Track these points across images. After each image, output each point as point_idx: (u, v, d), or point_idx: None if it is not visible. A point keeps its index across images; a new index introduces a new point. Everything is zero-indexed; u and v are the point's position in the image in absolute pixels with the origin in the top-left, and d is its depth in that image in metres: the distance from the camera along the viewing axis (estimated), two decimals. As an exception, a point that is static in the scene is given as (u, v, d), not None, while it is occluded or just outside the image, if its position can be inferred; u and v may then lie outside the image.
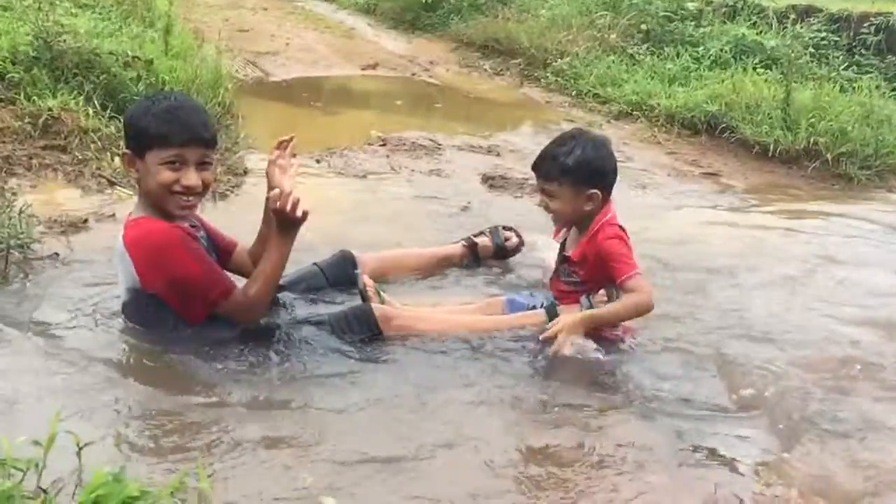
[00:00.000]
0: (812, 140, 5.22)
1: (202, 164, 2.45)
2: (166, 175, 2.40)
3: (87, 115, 4.18)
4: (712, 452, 2.17)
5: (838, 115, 5.37)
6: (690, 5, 7.35)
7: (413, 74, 7.42)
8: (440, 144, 5.09)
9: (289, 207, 2.43)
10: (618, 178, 2.79)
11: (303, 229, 2.52)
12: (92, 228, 3.39)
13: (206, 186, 2.49)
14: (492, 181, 4.53)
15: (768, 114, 5.47)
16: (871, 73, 6.34)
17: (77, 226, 3.37)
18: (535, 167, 2.81)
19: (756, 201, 4.70)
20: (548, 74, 7.00)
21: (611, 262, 2.62)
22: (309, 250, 3.01)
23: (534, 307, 2.80)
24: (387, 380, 2.44)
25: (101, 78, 4.39)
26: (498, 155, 5.05)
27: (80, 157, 3.98)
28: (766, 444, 2.24)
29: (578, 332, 2.60)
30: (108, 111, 4.27)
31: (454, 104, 6.64)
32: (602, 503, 1.95)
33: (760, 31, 6.91)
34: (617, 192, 2.81)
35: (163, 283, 2.44)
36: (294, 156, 2.76)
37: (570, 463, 2.09)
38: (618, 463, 2.10)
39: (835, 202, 4.71)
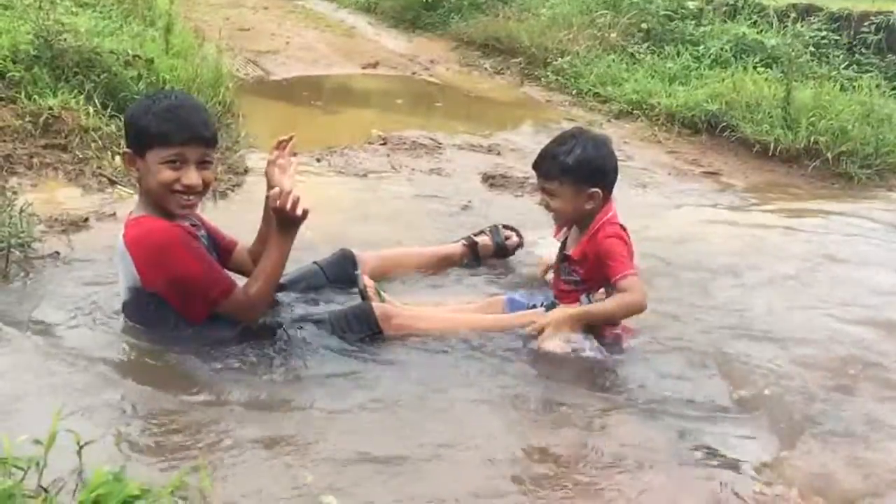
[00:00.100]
0: (812, 139, 5.22)
1: (203, 163, 2.45)
2: (167, 174, 2.40)
3: (88, 113, 4.18)
4: (713, 452, 2.17)
5: (839, 113, 5.37)
6: (691, 4, 7.35)
7: (413, 73, 7.42)
8: (440, 143, 5.09)
9: (289, 206, 2.43)
10: (618, 177, 2.79)
11: (303, 228, 2.52)
12: (92, 227, 3.39)
13: (206, 185, 2.49)
14: (492, 180, 4.53)
15: (769, 113, 5.47)
16: (872, 71, 6.34)
17: (78, 225, 3.37)
18: (535, 166, 2.81)
19: (756, 200, 4.69)
20: (548, 73, 7.00)
21: (607, 261, 2.62)
22: (309, 249, 3.00)
23: (534, 306, 2.80)
24: (387, 379, 2.44)
25: (101, 77, 4.39)
26: (498, 154, 5.05)
27: (80, 155, 3.98)
28: (767, 444, 2.23)
29: (566, 328, 2.60)
30: (109, 110, 4.27)
31: (455, 103, 6.64)
32: (603, 503, 1.95)
33: (761, 30, 6.91)
34: (617, 191, 2.81)
35: (163, 282, 2.44)
36: (294, 154, 2.76)
37: (570, 462, 2.10)
38: (619, 462, 2.09)
39: (835, 201, 4.71)
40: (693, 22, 7.24)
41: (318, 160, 4.57)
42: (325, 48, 7.95)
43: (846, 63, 6.46)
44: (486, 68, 7.57)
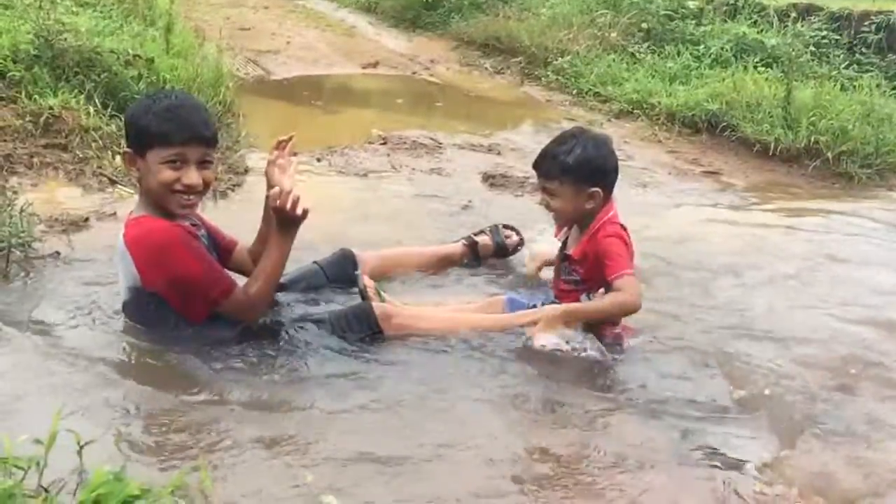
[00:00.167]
0: (813, 139, 5.22)
1: (203, 163, 2.45)
2: (167, 174, 2.40)
3: (88, 113, 4.18)
4: (714, 451, 2.17)
5: (839, 113, 5.37)
6: (691, 4, 7.35)
7: (414, 73, 7.42)
8: (441, 143, 5.09)
9: (289, 206, 2.43)
10: (618, 176, 2.78)
11: (303, 228, 2.52)
12: (93, 227, 3.39)
13: (206, 185, 2.49)
14: (492, 180, 4.53)
15: (769, 112, 5.47)
16: (872, 71, 6.34)
17: (78, 224, 3.37)
18: (535, 166, 2.81)
19: (757, 200, 4.69)
20: (548, 73, 6.99)
21: (605, 260, 2.62)
22: (309, 249, 3.00)
23: (534, 306, 2.79)
24: (387, 379, 2.44)
25: (102, 76, 4.39)
26: (498, 153, 5.05)
27: (80, 155, 3.98)
28: (767, 444, 2.23)
29: (558, 324, 2.59)
30: (109, 110, 4.27)
31: (455, 103, 6.64)
32: (604, 502, 1.95)
33: (761, 30, 6.91)
34: (617, 191, 2.81)
35: (163, 281, 2.44)
36: (294, 154, 2.76)
37: (571, 462, 2.09)
38: (620, 462, 2.09)
39: (835, 201, 4.71)
40: (693, 21, 7.24)
41: (319, 160, 4.57)
42: (326, 48, 7.95)
43: (846, 63, 6.46)
44: (486, 68, 7.57)
